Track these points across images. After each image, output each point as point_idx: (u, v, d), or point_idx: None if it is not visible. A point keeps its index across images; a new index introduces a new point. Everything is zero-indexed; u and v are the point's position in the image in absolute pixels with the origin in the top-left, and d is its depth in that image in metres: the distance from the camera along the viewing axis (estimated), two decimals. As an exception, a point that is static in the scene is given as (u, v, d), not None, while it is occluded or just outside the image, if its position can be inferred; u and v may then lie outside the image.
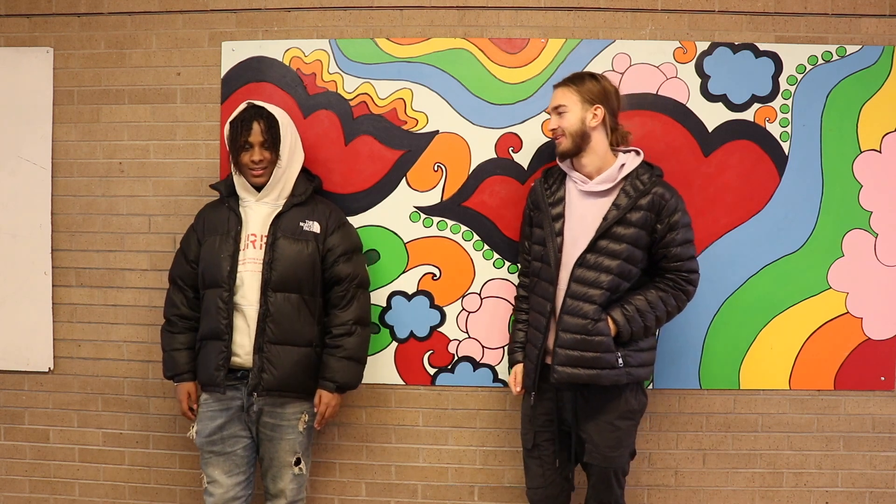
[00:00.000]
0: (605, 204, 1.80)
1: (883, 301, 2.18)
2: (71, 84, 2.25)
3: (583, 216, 1.82)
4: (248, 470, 1.94)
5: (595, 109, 1.80)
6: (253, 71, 2.20)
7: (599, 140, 1.82)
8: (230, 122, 1.88)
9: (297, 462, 1.93)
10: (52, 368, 2.28)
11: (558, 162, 1.91)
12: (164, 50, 2.24)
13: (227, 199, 1.95)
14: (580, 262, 1.79)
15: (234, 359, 1.86)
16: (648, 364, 1.86)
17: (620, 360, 1.78)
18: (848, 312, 2.18)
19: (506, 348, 2.18)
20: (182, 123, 2.24)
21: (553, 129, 1.85)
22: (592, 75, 1.85)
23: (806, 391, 2.19)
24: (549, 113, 1.89)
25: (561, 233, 1.83)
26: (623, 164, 1.82)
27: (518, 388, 1.93)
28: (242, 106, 1.91)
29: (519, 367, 1.94)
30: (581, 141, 1.80)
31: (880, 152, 2.17)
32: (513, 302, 2.12)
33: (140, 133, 2.25)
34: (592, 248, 1.78)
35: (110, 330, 2.27)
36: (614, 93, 1.85)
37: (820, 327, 2.18)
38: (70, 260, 2.27)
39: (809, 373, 2.19)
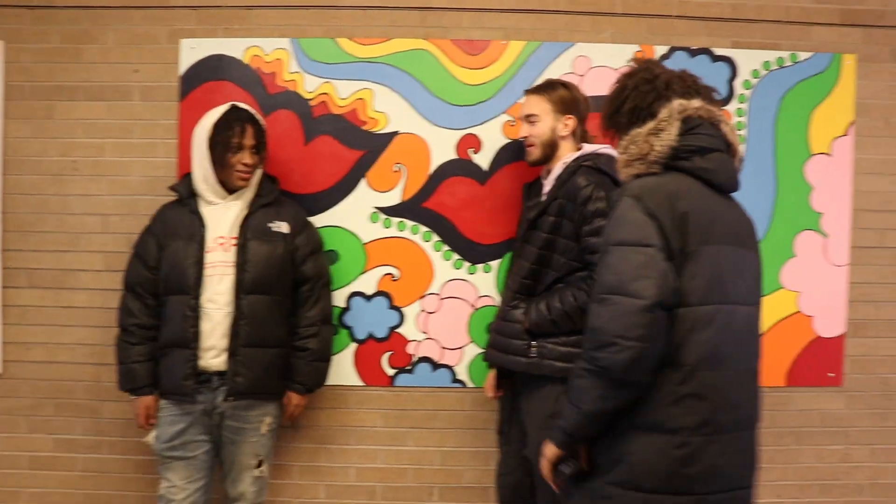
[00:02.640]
0: None
1: (832, 300, 2.24)
2: (22, 79, 2.20)
3: None
4: (208, 475, 1.92)
5: (566, 119, 1.85)
6: (212, 69, 2.17)
7: (567, 148, 1.87)
8: (217, 123, 1.85)
9: (259, 464, 1.91)
10: (0, 373, 2.22)
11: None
12: (121, 46, 2.20)
13: (188, 200, 1.91)
14: (516, 254, 1.90)
15: (199, 362, 1.83)
16: (570, 360, 1.71)
17: (534, 351, 1.78)
18: (799, 311, 2.24)
19: (465, 349, 2.21)
20: (139, 121, 2.20)
21: (525, 137, 1.90)
22: (564, 84, 1.89)
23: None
24: (518, 119, 1.92)
25: None
26: (566, 162, 1.84)
27: (491, 393, 2.02)
28: (226, 107, 1.89)
29: (492, 372, 2.00)
30: (550, 150, 1.87)
31: (830, 156, 2.24)
32: (473, 303, 2.20)
33: (95, 130, 2.21)
34: (526, 239, 1.86)
35: (62, 332, 2.21)
36: (584, 101, 1.89)
37: (773, 326, 2.24)
38: (21, 260, 2.21)
39: (763, 370, 2.22)
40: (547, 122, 1.85)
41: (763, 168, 2.22)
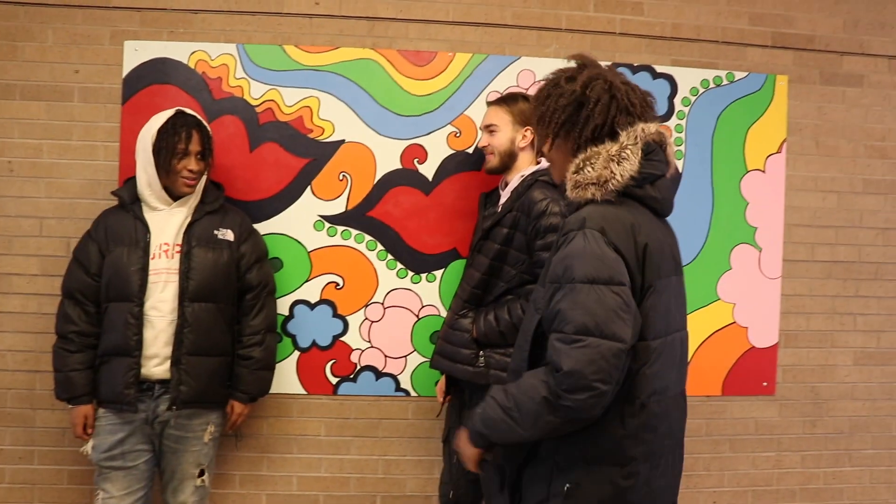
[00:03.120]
0: None
1: (766, 311, 2.33)
2: (-46, 76, 2.13)
3: None
4: (148, 485, 1.88)
5: (525, 131, 1.89)
6: (156, 72, 2.14)
7: (525, 160, 1.91)
8: (162, 128, 1.82)
9: (201, 474, 1.89)
10: (-74, 380, 2.13)
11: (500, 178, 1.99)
12: (62, 45, 2.15)
13: (131, 206, 1.88)
14: (469, 263, 1.91)
15: (142, 370, 1.80)
16: None
17: (482, 360, 1.81)
18: (735, 322, 2.32)
19: (408, 357, 2.22)
20: (79, 123, 2.15)
21: (483, 146, 1.94)
22: (526, 97, 1.93)
23: (697, 397, 2.31)
24: (481, 129, 1.97)
25: None
26: (523, 175, 1.88)
27: (440, 398, 2.04)
28: (171, 112, 1.86)
29: (443, 377, 2.02)
30: (508, 160, 1.90)
31: (764, 172, 2.33)
32: (417, 312, 2.21)
33: (33, 131, 2.15)
34: (479, 248, 1.88)
35: (-7, 338, 2.14)
36: None
37: (710, 336, 2.31)
38: (-50, 264, 2.14)
39: (700, 379, 2.31)
40: (506, 132, 1.89)
41: (701, 183, 2.30)
